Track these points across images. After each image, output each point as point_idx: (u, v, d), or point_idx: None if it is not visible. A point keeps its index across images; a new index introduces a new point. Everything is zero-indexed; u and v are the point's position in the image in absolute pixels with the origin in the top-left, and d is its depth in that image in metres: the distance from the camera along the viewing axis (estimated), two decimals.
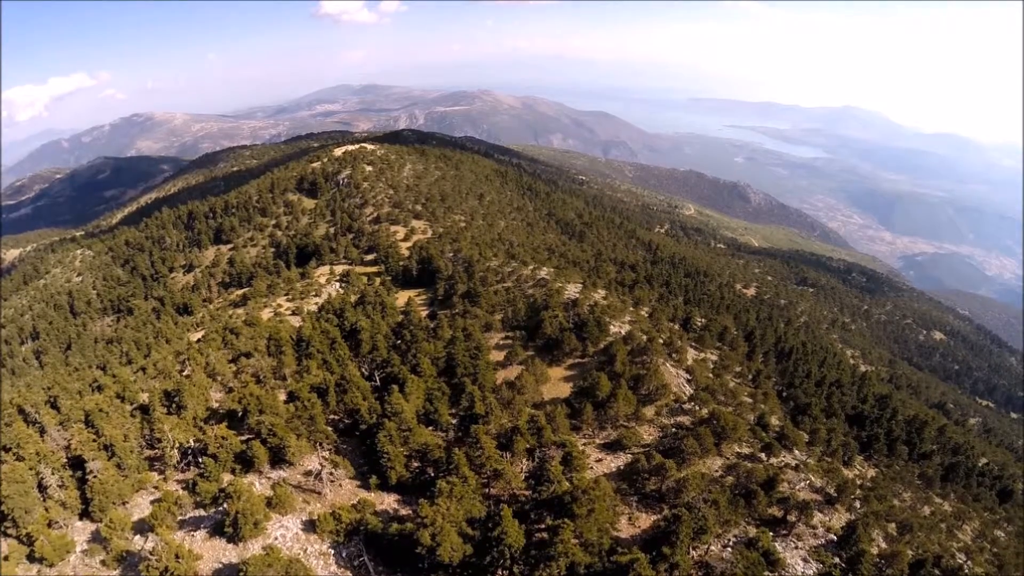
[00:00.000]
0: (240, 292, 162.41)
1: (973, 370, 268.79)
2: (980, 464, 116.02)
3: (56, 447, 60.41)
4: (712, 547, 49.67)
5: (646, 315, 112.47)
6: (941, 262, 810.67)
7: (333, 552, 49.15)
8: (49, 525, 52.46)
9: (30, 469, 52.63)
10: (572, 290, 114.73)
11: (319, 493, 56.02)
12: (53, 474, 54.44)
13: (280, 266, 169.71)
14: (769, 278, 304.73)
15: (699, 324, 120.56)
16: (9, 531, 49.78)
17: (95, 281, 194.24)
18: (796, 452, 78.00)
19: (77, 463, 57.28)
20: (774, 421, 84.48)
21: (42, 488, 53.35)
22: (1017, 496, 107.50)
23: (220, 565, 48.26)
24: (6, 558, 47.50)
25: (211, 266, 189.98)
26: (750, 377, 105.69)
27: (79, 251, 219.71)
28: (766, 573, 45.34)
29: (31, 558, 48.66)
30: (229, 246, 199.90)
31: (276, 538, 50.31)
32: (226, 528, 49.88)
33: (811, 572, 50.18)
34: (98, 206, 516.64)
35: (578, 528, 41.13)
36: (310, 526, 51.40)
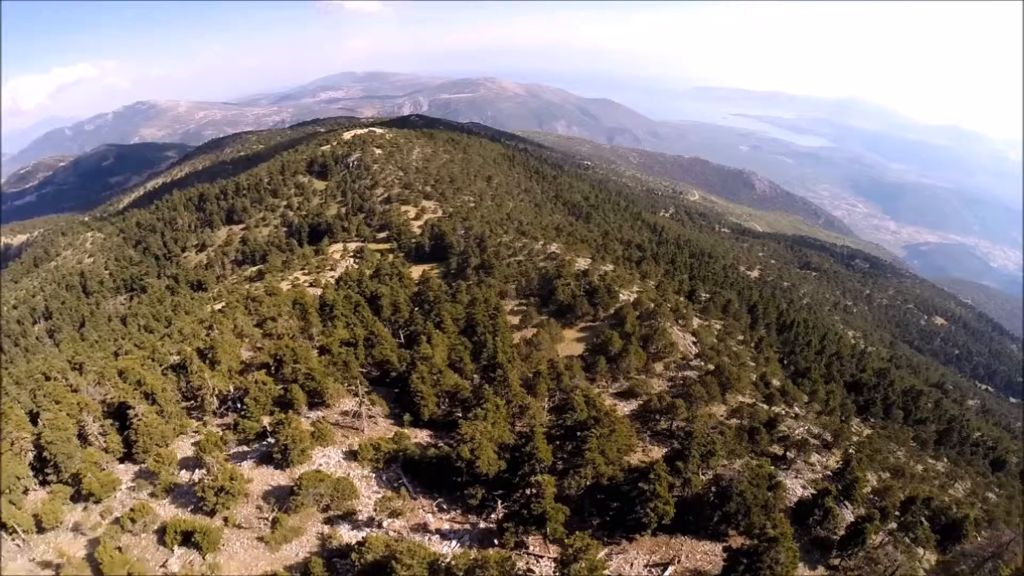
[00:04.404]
0: (255, 268, 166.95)
1: (973, 355, 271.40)
2: (975, 436, 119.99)
3: (93, 401, 61.79)
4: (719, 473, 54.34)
5: (653, 287, 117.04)
6: (946, 252, 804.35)
7: (374, 476, 53.98)
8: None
9: (69, 416, 55.03)
10: (582, 263, 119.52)
11: (356, 429, 60.86)
12: (94, 422, 56.92)
13: (293, 244, 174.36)
14: (773, 261, 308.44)
15: (704, 296, 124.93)
16: (50, 477, 52.49)
17: (107, 262, 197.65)
18: (796, 408, 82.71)
19: (116, 414, 60.24)
20: (775, 382, 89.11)
21: (82, 437, 55.80)
22: (1011, 468, 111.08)
23: (270, 487, 52.67)
24: (51, 497, 49.91)
25: (224, 245, 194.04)
26: (753, 344, 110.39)
27: (89, 233, 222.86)
28: (768, 493, 49.56)
29: (75, 498, 51.51)
30: (241, 226, 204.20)
31: (320, 465, 54.80)
32: (275, 455, 54.43)
33: (809, 495, 54.41)
34: (103, 192, 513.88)
35: (601, 445, 45.85)
36: (351, 456, 56.20)
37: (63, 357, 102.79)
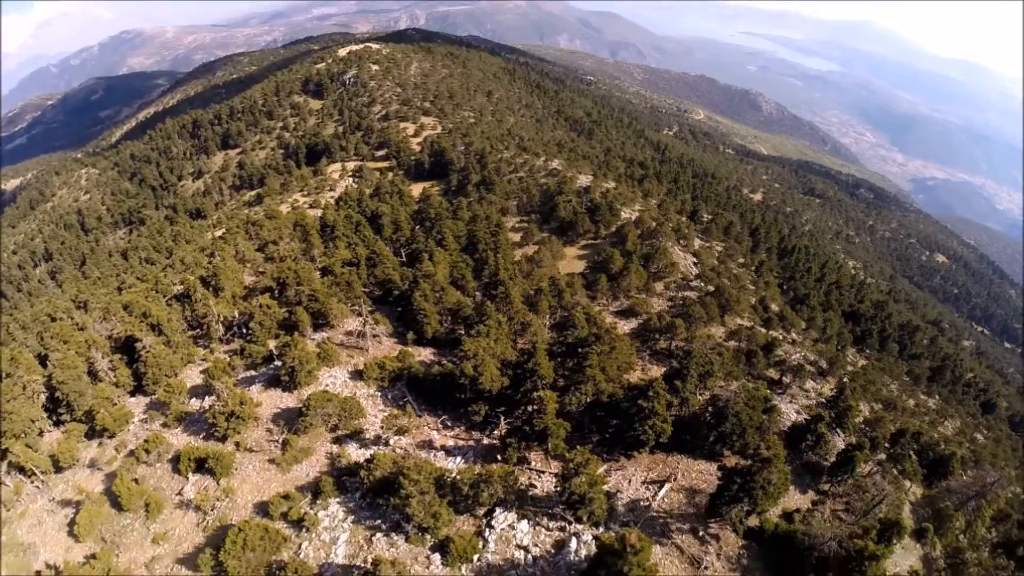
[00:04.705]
0: (253, 192, 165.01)
1: (972, 296, 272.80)
2: (967, 376, 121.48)
3: (100, 337, 62.13)
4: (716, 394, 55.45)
5: (655, 205, 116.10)
6: (952, 189, 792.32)
7: (380, 395, 55.12)
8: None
9: (78, 354, 55.36)
10: (584, 180, 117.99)
11: (361, 349, 61.65)
12: (103, 358, 57.37)
13: (291, 166, 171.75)
14: (776, 185, 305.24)
15: (706, 218, 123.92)
16: (64, 417, 53.30)
17: (103, 197, 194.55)
18: (793, 334, 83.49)
19: (124, 348, 60.66)
20: (774, 307, 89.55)
21: (92, 374, 56.33)
22: (1000, 412, 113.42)
23: (279, 409, 53.78)
24: (66, 436, 51.04)
25: (220, 171, 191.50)
26: (753, 268, 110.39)
27: (84, 170, 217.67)
28: (763, 416, 50.53)
29: (89, 434, 52.52)
30: (237, 150, 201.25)
31: (327, 385, 55.71)
32: (282, 377, 55.22)
33: (803, 420, 55.65)
34: (94, 127, 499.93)
35: (601, 362, 46.58)
36: (357, 375, 57.16)
37: (67, 297, 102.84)
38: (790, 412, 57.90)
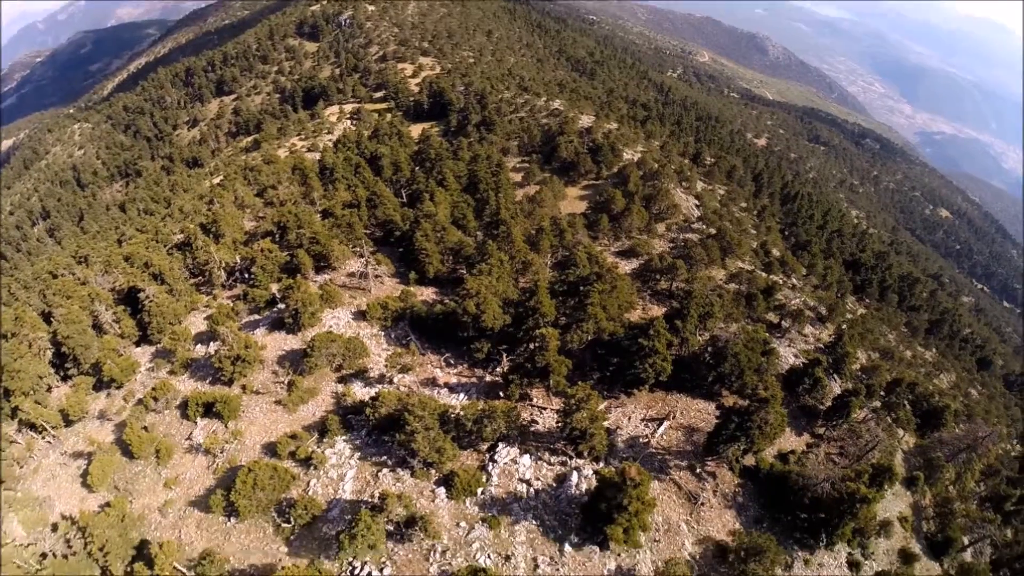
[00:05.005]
0: (250, 138, 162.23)
1: (974, 253, 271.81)
2: (965, 331, 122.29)
3: (103, 290, 62.42)
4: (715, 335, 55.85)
5: (657, 147, 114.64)
6: (960, 145, 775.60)
7: (383, 334, 55.60)
8: None
9: (82, 309, 55.85)
10: (585, 120, 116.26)
11: (363, 290, 61.85)
12: (107, 310, 57.77)
13: (287, 110, 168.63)
14: (781, 131, 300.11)
15: (709, 161, 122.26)
16: (71, 371, 53.90)
17: (98, 151, 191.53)
18: (794, 279, 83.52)
19: (127, 299, 61.21)
20: (775, 251, 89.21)
21: (97, 327, 56.72)
22: (996, 369, 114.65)
23: (284, 351, 54.40)
24: (74, 389, 51.83)
25: (216, 118, 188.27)
26: (755, 212, 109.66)
27: (76, 125, 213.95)
28: (762, 358, 50.93)
29: (97, 386, 53.41)
30: (232, 96, 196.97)
31: (330, 327, 56.05)
32: (286, 320, 55.70)
33: (801, 363, 56.06)
34: (85, 81, 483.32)
35: (602, 300, 46.80)
36: (360, 316, 57.51)
37: (67, 253, 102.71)
38: (788, 355, 58.55)
